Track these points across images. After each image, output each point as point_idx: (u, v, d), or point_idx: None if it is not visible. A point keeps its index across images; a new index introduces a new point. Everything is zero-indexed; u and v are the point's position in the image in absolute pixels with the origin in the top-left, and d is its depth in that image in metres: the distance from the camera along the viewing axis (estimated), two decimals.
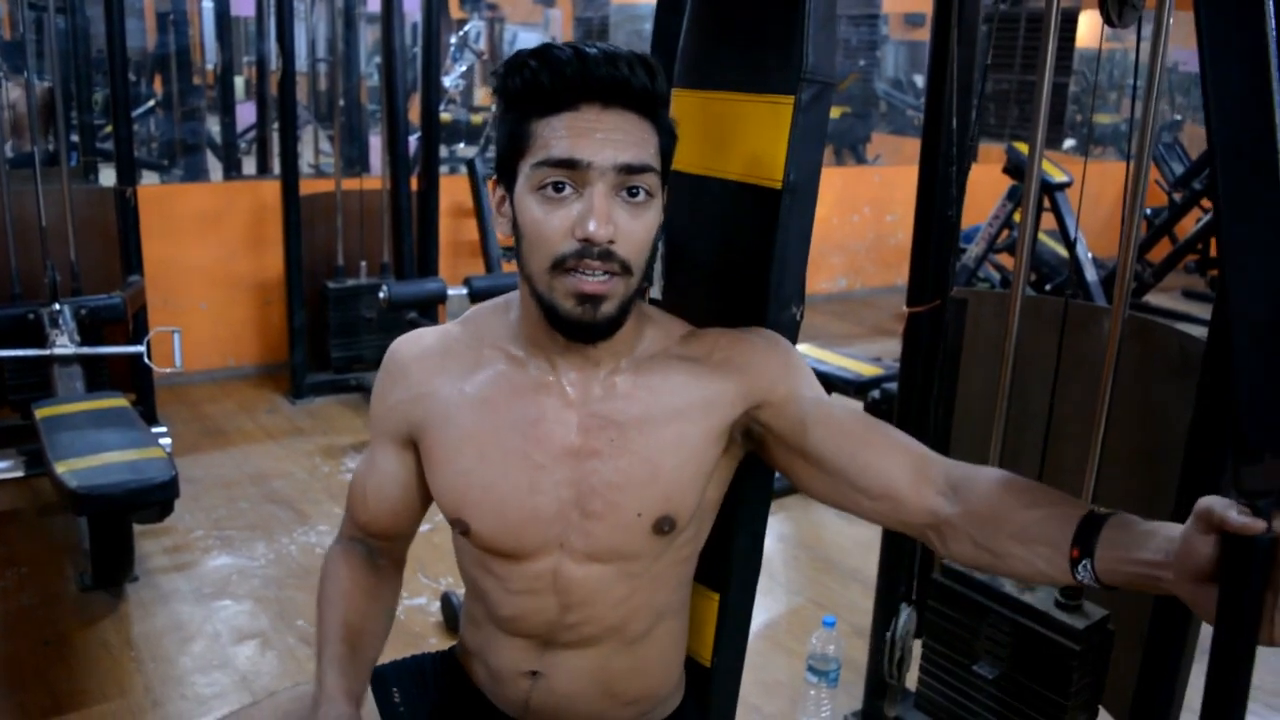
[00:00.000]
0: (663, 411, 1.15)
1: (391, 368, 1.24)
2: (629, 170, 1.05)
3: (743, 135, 1.27)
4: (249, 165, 6.13)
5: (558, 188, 1.05)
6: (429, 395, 1.19)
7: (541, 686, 1.24)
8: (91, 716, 2.35)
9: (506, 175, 1.11)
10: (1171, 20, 1.66)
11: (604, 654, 1.22)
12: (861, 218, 7.00)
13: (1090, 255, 5.45)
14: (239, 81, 7.10)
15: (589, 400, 1.16)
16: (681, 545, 1.21)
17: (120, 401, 3.07)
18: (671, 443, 1.14)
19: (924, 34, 9.55)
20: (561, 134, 1.04)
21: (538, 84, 1.05)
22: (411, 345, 1.24)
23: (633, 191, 1.06)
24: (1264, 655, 2.84)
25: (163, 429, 3.92)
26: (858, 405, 3.69)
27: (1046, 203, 5.02)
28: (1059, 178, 5.06)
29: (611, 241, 1.05)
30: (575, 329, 1.09)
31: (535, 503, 1.15)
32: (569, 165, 1.04)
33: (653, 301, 1.38)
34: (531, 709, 1.25)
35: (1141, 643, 1.81)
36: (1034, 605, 1.77)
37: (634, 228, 1.06)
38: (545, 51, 1.06)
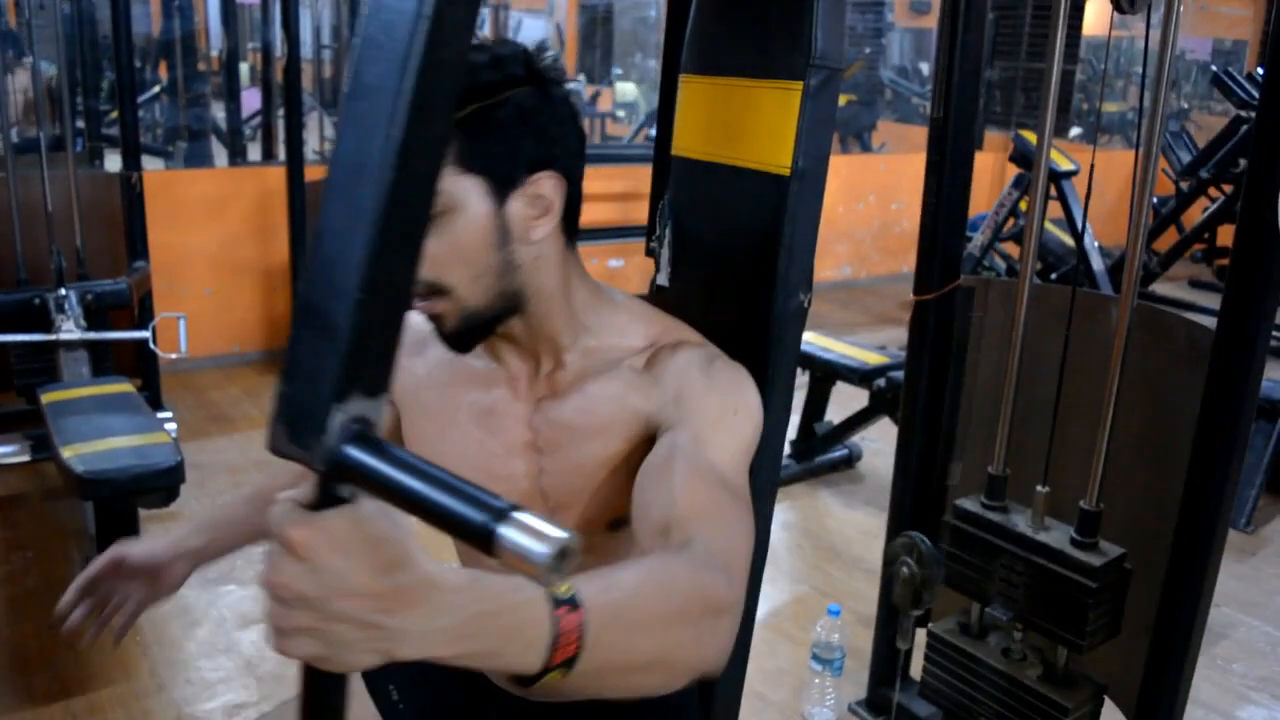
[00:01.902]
0: (597, 420, 1.12)
1: None
2: None
3: (751, 121, 1.26)
4: (254, 151, 6.12)
5: None
6: (404, 370, 1.20)
7: None
8: (97, 700, 2.36)
9: None
10: (1181, 7, 1.65)
11: None
12: (866, 206, 6.98)
13: (1096, 244, 5.44)
14: (244, 68, 7.10)
15: (535, 396, 1.15)
16: None
17: (126, 387, 3.07)
18: (605, 450, 1.12)
19: (930, 21, 9.52)
20: None
21: None
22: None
23: None
24: (1273, 647, 2.84)
25: (168, 414, 3.93)
26: (863, 393, 3.69)
27: (1052, 191, 5.01)
28: (1066, 166, 5.05)
29: None
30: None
31: (494, 490, 1.14)
32: None
33: (659, 289, 1.37)
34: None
35: (1148, 634, 1.81)
36: (1049, 544, 1.77)
37: (432, 248, 1.02)
38: None
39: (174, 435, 2.87)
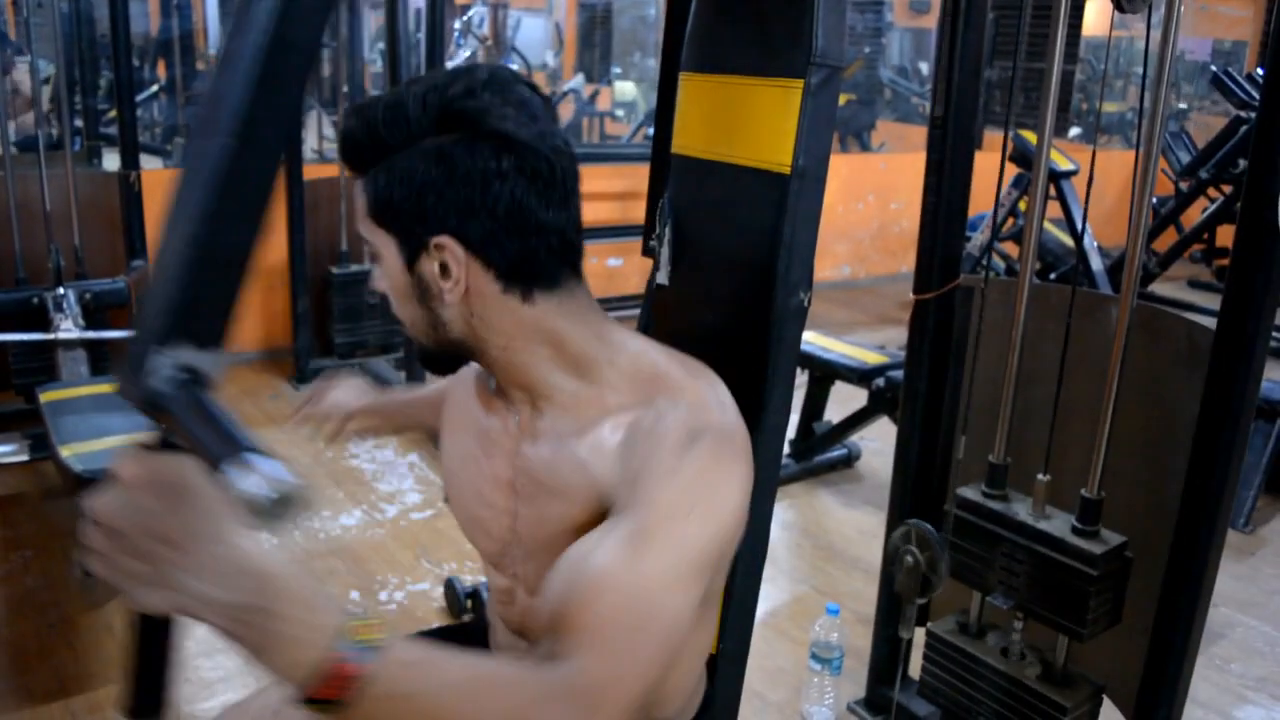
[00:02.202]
0: (560, 482, 1.04)
1: None
2: (361, 238, 1.04)
3: (751, 119, 1.26)
4: None
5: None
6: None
7: None
8: (96, 699, 2.36)
9: None
10: (1181, 7, 1.65)
11: None
12: (866, 205, 6.98)
13: (1096, 244, 5.44)
14: None
15: (520, 436, 1.09)
16: None
17: None
18: (568, 512, 1.04)
19: (930, 21, 9.51)
20: None
21: None
22: None
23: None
24: (1271, 647, 2.84)
25: None
26: (862, 393, 3.69)
27: (1052, 190, 5.00)
28: (1065, 165, 5.04)
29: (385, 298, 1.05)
30: None
31: (481, 513, 1.14)
32: None
33: (659, 287, 1.37)
34: None
35: (1147, 634, 1.81)
36: (1050, 532, 1.77)
37: (384, 286, 1.05)
38: None
39: None
